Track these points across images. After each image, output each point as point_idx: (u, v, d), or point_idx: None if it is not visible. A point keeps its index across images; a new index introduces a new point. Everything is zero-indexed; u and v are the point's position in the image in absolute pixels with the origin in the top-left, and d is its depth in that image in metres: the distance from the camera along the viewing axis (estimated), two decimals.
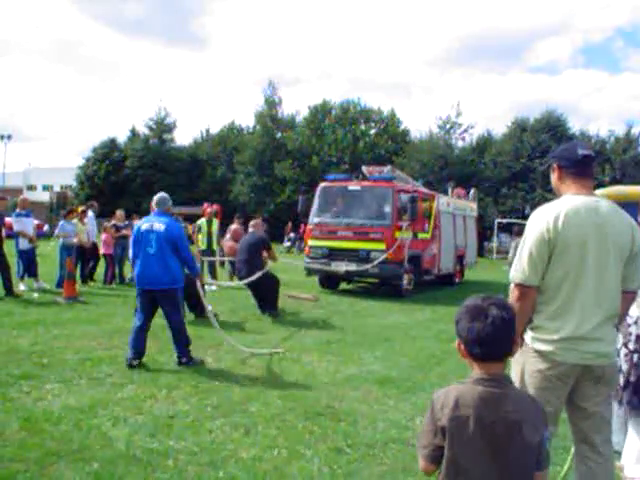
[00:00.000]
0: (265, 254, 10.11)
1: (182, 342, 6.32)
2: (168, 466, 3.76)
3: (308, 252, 13.75)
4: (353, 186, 13.59)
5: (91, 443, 4.05)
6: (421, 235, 14.05)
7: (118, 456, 3.85)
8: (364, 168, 15.16)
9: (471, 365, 2.07)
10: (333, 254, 13.01)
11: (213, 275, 13.83)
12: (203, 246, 13.85)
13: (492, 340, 2.00)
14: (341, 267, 12.73)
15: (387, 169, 14.83)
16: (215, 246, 14.09)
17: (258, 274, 9.50)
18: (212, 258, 13.50)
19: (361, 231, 12.89)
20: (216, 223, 14.20)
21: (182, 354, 6.26)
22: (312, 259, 13.41)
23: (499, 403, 1.95)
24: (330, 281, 14.15)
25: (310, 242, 13.72)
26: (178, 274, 6.35)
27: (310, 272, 13.82)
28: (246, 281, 9.73)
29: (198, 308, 9.11)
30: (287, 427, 4.55)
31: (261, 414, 4.80)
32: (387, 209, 12.91)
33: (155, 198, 6.68)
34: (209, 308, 9.36)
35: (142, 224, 6.43)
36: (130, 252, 6.59)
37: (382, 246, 12.48)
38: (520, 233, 12.58)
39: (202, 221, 14.12)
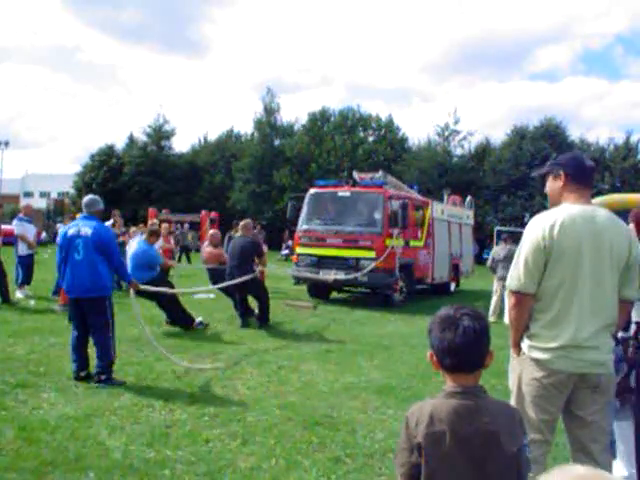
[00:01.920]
0: (257, 259, 9.90)
1: (105, 358, 5.78)
2: (165, 476, 3.73)
3: (296, 260, 13.46)
4: (343, 192, 13.28)
5: (87, 452, 4.02)
6: (413, 243, 13.76)
7: (114, 466, 3.82)
8: (355, 173, 14.87)
9: (444, 377, 2.03)
10: (322, 262, 12.70)
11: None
12: None
13: (463, 351, 1.94)
14: (329, 275, 12.39)
15: (379, 175, 14.61)
16: None
17: (242, 279, 9.21)
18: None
19: (350, 238, 12.61)
20: None
21: (103, 371, 5.72)
22: (300, 267, 13.12)
23: (474, 415, 1.90)
24: (319, 290, 13.77)
25: (298, 249, 13.43)
26: (108, 282, 5.96)
27: (298, 280, 13.57)
28: (227, 284, 9.44)
29: (183, 320, 8.86)
30: (285, 436, 4.51)
31: (259, 423, 4.77)
32: (377, 216, 12.64)
33: (84, 200, 6.26)
34: (199, 319, 9.20)
35: (69, 229, 6.02)
36: (58, 259, 6.06)
37: (372, 254, 12.20)
38: (507, 240, 12.57)
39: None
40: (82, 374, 5.79)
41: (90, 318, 5.87)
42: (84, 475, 3.67)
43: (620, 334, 3.50)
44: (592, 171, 3.03)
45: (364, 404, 5.45)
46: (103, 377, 5.67)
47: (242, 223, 10.45)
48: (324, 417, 4.97)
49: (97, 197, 6.30)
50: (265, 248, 14.12)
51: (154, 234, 9.34)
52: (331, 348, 7.93)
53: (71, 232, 5.92)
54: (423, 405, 1.97)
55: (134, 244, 9.34)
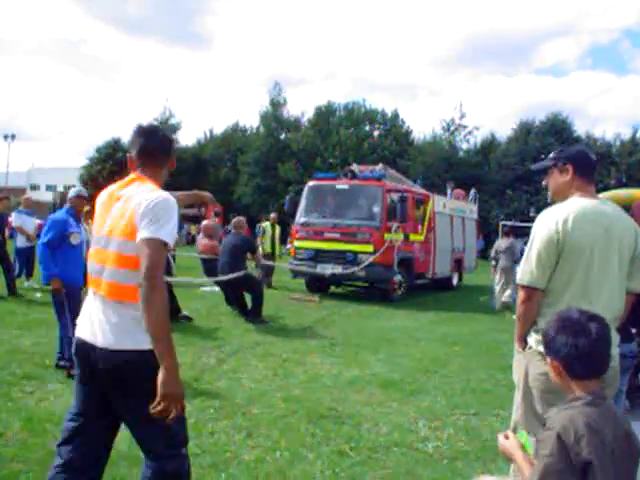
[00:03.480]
0: (250, 256, 9.81)
1: (62, 347, 5.76)
2: None
3: (294, 253, 13.35)
4: (341, 185, 13.09)
5: None
6: (413, 237, 13.58)
7: (120, 457, 3.83)
8: (355, 166, 14.70)
9: (566, 384, 1.99)
10: (319, 256, 12.56)
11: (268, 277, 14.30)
12: (268, 249, 14.35)
13: (598, 356, 1.92)
14: (327, 269, 12.27)
15: (379, 167, 14.47)
16: (278, 250, 14.61)
17: (231, 275, 9.14)
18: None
19: (348, 232, 12.43)
20: (278, 228, 14.48)
21: (61, 357, 5.75)
22: (298, 261, 12.97)
23: (616, 419, 1.87)
24: (318, 284, 13.58)
25: (296, 243, 13.29)
26: (53, 270, 5.68)
27: (296, 274, 13.49)
28: (216, 279, 9.42)
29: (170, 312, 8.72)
30: (290, 429, 4.52)
31: (263, 416, 4.78)
32: (376, 209, 12.48)
33: None
34: (184, 313, 9.00)
35: None
36: None
37: (370, 248, 12.07)
38: (509, 234, 12.78)
39: (267, 224, 14.68)
40: (61, 363, 5.81)
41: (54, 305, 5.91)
42: None
43: (634, 330, 3.49)
44: (596, 165, 3.06)
45: (368, 398, 5.46)
46: (61, 363, 5.74)
47: (234, 221, 10.36)
48: (329, 410, 4.98)
49: (79, 188, 6.23)
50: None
51: None
52: (336, 342, 7.93)
53: None
54: (571, 419, 1.84)
55: None
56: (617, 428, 1.84)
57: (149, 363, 2.27)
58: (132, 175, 2.60)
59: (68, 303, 5.76)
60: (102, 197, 2.64)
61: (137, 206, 2.37)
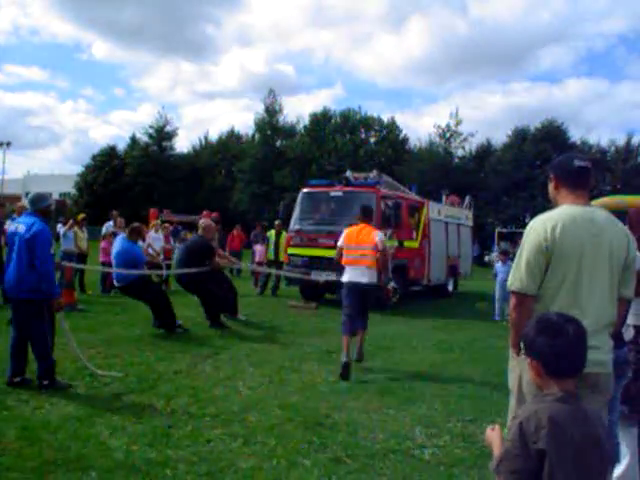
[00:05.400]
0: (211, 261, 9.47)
1: (43, 363, 5.47)
2: (167, 476, 3.74)
3: (287, 260, 13.24)
4: (335, 192, 13.06)
5: (89, 452, 4.02)
6: (408, 244, 13.55)
7: (116, 465, 3.83)
8: (349, 173, 14.65)
9: (545, 384, 2.04)
10: (313, 263, 12.46)
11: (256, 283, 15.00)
12: (271, 257, 14.63)
13: (575, 355, 2.00)
14: (321, 277, 12.12)
15: (373, 174, 14.47)
16: (282, 257, 14.45)
17: (191, 270, 9.02)
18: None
19: None
20: (284, 235, 14.33)
21: (42, 375, 5.43)
22: (292, 268, 12.86)
23: (587, 419, 1.93)
24: (312, 291, 13.33)
25: (290, 250, 13.16)
26: (41, 284, 5.34)
27: (290, 281, 13.42)
28: (175, 271, 9.47)
29: (168, 320, 8.56)
30: (286, 437, 4.52)
31: (260, 424, 4.77)
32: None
33: (29, 196, 5.84)
34: (178, 322, 8.77)
35: (10, 226, 5.77)
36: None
37: None
38: None
39: (271, 232, 14.84)
40: (15, 380, 5.47)
41: (25, 320, 5.50)
42: (86, 475, 3.67)
43: (626, 337, 3.50)
44: (584, 171, 2.93)
45: (365, 405, 5.45)
46: (45, 382, 5.41)
47: (205, 224, 10.01)
48: (325, 417, 4.98)
49: (41, 194, 5.89)
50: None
51: (135, 232, 8.93)
52: (332, 349, 7.91)
53: (11, 229, 5.71)
54: (537, 410, 1.94)
55: (116, 243, 8.95)
56: (588, 429, 1.90)
57: (377, 287, 7.57)
58: (362, 224, 7.19)
59: (49, 316, 5.58)
60: (352, 229, 7.18)
61: (371, 232, 7.07)
